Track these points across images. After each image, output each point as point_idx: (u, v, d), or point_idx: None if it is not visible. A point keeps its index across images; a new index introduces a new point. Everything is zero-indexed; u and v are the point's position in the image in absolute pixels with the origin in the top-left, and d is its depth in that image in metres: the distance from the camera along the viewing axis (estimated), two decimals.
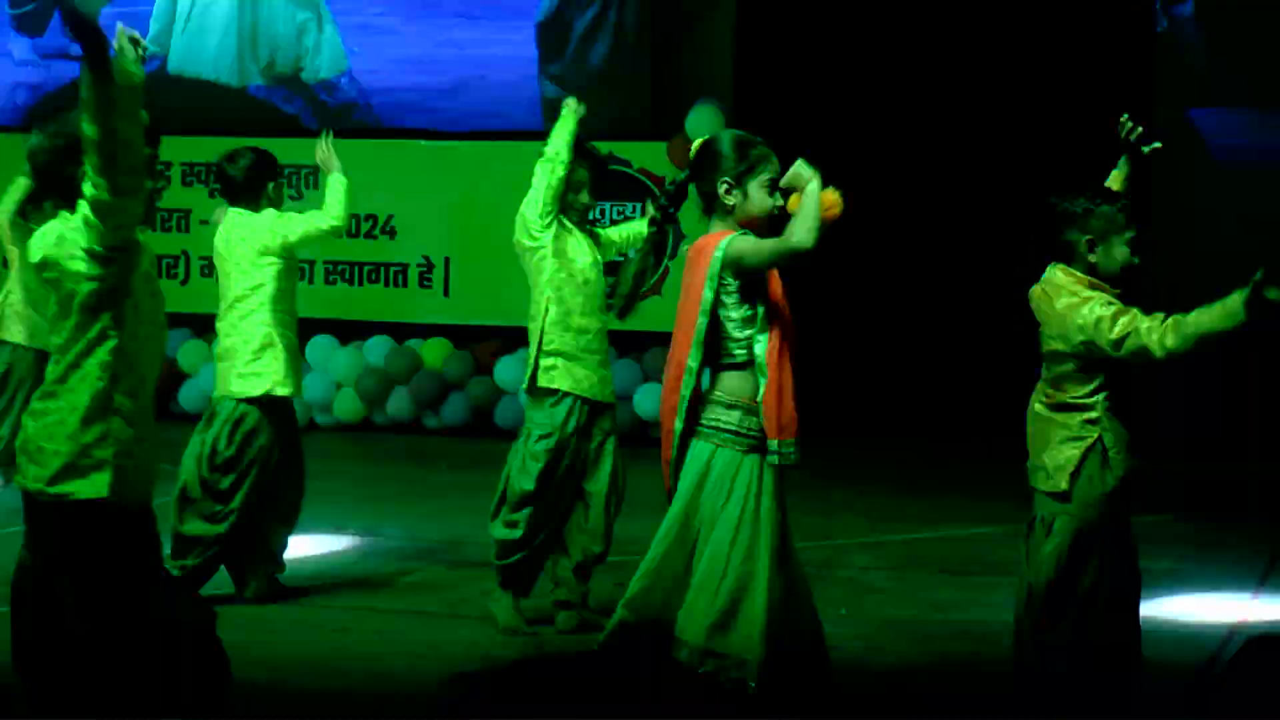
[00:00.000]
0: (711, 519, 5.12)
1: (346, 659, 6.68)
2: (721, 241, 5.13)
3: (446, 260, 13.01)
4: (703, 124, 12.06)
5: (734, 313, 5.15)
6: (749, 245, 5.13)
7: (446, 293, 13.04)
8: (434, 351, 12.93)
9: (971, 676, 6.56)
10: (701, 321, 5.13)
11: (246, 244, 7.42)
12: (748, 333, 5.14)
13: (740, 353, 5.15)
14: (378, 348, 12.94)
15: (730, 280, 5.13)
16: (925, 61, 12.64)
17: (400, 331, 13.02)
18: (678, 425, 5.18)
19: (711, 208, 5.27)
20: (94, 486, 4.35)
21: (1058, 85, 12.28)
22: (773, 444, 5.13)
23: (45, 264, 4.40)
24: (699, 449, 5.16)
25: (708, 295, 5.12)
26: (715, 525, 5.11)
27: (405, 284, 13.07)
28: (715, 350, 5.18)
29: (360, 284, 13.09)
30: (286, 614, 7.31)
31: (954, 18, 12.62)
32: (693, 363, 5.15)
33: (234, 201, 7.54)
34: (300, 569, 7.73)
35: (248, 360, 7.40)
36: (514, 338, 12.73)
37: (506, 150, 12.52)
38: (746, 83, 12.64)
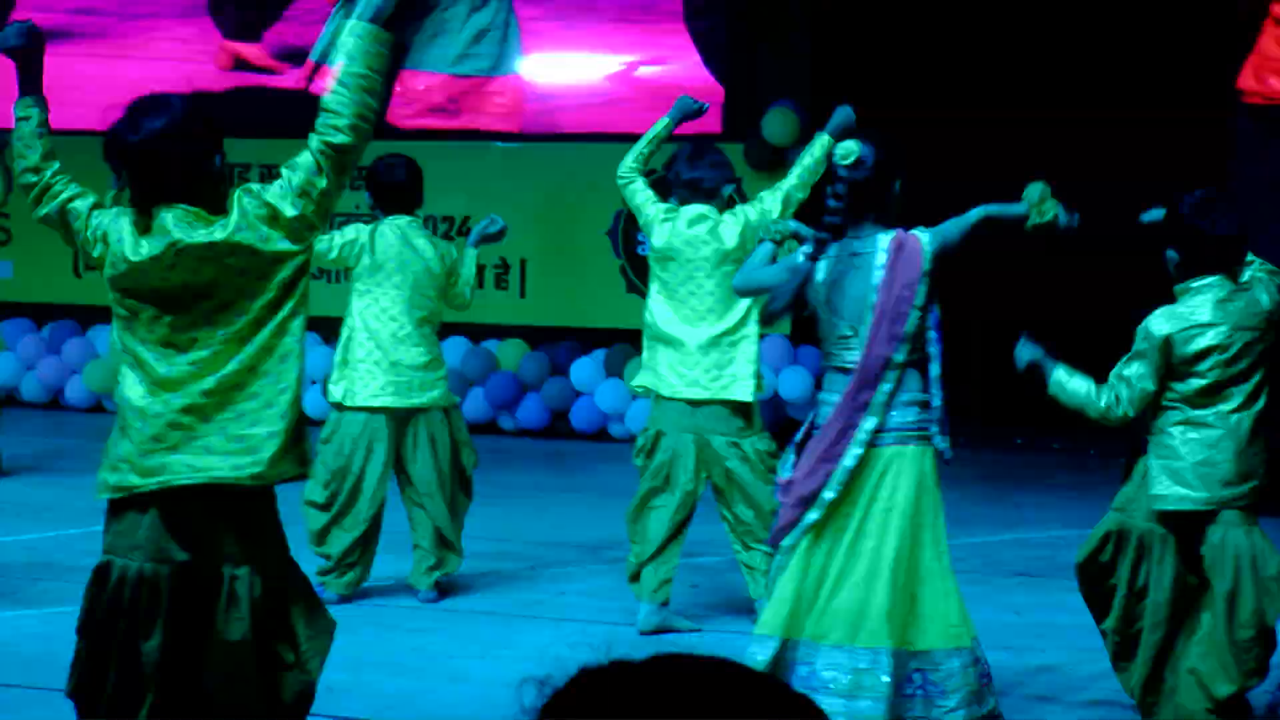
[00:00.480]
0: (890, 517, 5.25)
1: (423, 658, 6.72)
2: (924, 237, 5.27)
3: (523, 262, 13.04)
4: (780, 127, 12.05)
5: (923, 306, 5.29)
6: (946, 231, 5.30)
7: (523, 294, 13.09)
8: (510, 352, 12.97)
9: (1043, 675, 6.53)
10: (914, 317, 5.25)
11: (442, 264, 7.54)
12: (930, 327, 5.31)
13: (925, 349, 5.29)
14: (454, 349, 12.99)
15: (932, 274, 5.28)
16: (1008, 61, 12.57)
17: (477, 332, 13.07)
18: (871, 423, 5.26)
19: (875, 206, 5.33)
20: (301, 466, 4.35)
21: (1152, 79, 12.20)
22: (943, 440, 5.33)
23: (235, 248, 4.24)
24: (887, 453, 5.27)
25: (922, 291, 5.24)
26: (905, 523, 5.22)
27: (482, 285, 13.11)
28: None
29: None
30: (364, 613, 7.36)
31: (1041, 16, 12.54)
32: (899, 357, 5.23)
33: (396, 210, 7.56)
34: (377, 569, 7.77)
35: (444, 372, 7.65)
36: (589, 339, 12.79)
37: (583, 152, 12.56)
38: (824, 84, 12.61)
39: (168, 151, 4.21)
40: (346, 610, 7.36)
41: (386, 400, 7.41)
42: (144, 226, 4.18)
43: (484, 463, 11.65)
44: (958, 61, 12.66)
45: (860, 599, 5.25)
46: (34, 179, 4.29)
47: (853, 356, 5.31)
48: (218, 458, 4.20)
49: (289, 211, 4.22)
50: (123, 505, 4.26)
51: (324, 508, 7.45)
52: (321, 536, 7.48)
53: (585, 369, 12.67)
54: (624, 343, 12.64)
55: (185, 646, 4.19)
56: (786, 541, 5.33)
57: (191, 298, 4.20)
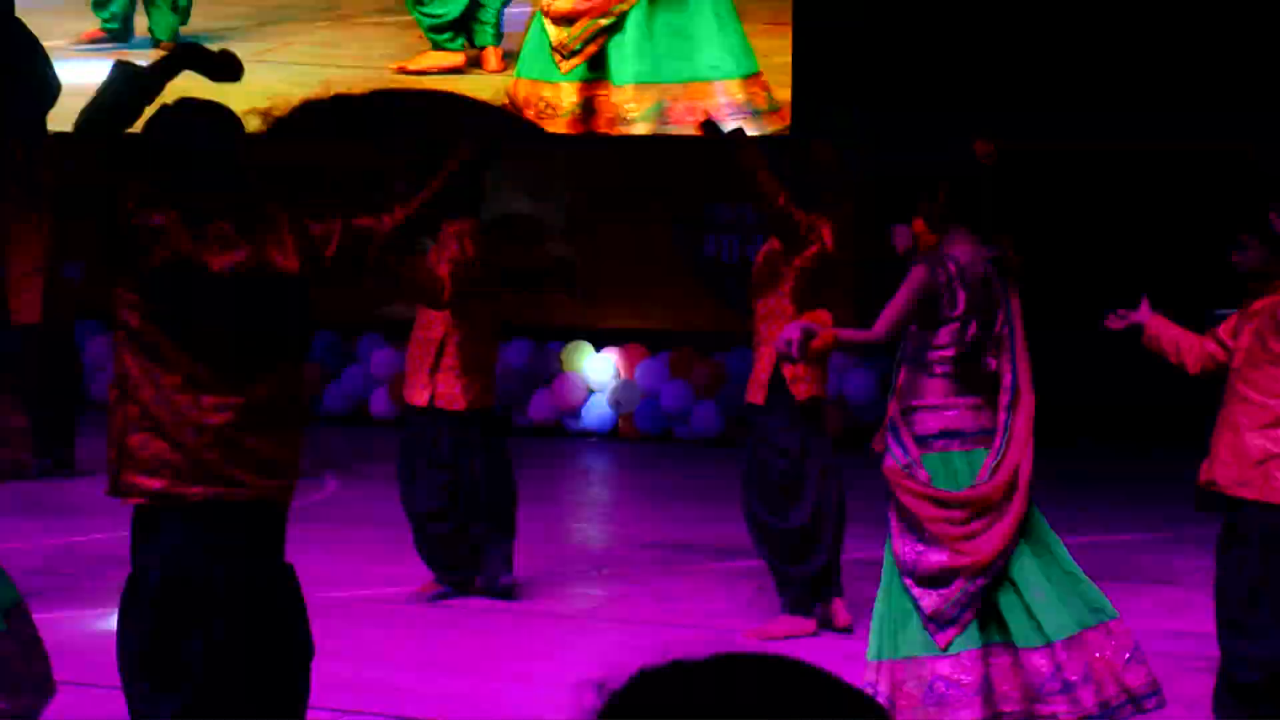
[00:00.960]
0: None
1: (488, 659, 6.73)
2: None
3: (588, 263, 13.06)
4: (843, 128, 12.00)
5: None
6: None
7: (588, 296, 13.10)
8: (575, 354, 12.99)
9: None
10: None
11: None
12: None
13: None
14: (519, 351, 13.02)
15: None
16: (1070, 63, 12.48)
17: (541, 334, 13.10)
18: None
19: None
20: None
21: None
22: None
23: None
24: None
25: None
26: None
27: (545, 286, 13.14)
28: None
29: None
30: (430, 614, 7.38)
31: (1104, 17, 12.44)
32: None
33: (469, 212, 7.55)
34: None
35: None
36: (655, 341, 12.79)
37: (649, 152, 12.56)
38: (885, 88, 12.55)
39: (228, 156, 4.18)
40: (412, 611, 7.39)
41: (487, 400, 7.47)
42: (203, 234, 4.12)
43: (549, 464, 11.71)
44: (1019, 62, 12.56)
45: (1070, 586, 5.29)
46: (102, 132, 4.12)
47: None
48: (261, 474, 4.20)
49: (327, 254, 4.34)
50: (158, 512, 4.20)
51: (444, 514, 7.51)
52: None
53: (651, 371, 12.67)
54: (688, 345, 12.64)
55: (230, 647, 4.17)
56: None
57: (255, 308, 4.19)
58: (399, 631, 7.08)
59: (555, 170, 13.05)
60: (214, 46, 4.38)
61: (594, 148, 13.19)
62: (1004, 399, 5.22)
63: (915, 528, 5.17)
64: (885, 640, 5.20)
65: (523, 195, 12.76)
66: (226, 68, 4.29)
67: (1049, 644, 5.18)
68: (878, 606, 5.27)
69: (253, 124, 12.91)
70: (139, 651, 4.16)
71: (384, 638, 6.95)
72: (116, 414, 4.22)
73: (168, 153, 4.16)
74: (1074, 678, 5.17)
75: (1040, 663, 5.17)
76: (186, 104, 4.22)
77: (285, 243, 4.25)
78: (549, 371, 12.94)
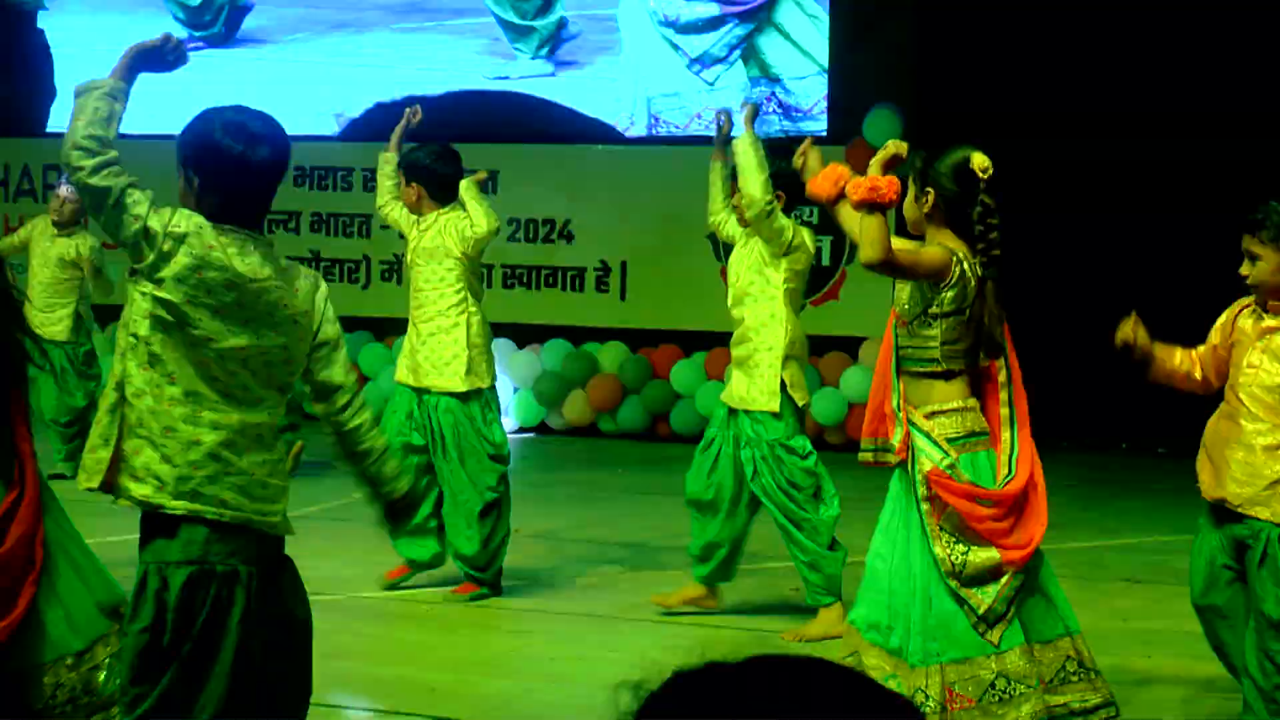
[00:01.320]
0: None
1: (523, 659, 6.74)
2: None
3: (623, 264, 13.06)
4: (882, 128, 11.98)
5: None
6: None
7: (623, 297, 13.10)
8: (610, 355, 12.99)
9: (1151, 685, 6.44)
10: None
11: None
12: None
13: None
14: (554, 351, 13.04)
15: None
16: (1109, 52, 12.43)
17: (577, 335, 13.11)
18: None
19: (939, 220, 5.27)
20: None
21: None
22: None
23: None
24: None
25: None
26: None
27: (582, 288, 13.15)
28: None
29: (537, 288, 13.20)
30: (466, 615, 7.39)
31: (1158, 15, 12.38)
32: None
33: (451, 199, 7.61)
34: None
35: None
36: (690, 342, 12.78)
37: (683, 155, 12.55)
38: (927, 85, 12.52)
39: (277, 174, 4.16)
40: (446, 611, 7.40)
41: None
42: (242, 247, 4.09)
43: (584, 464, 11.72)
44: (1067, 63, 12.52)
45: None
46: (99, 147, 4.03)
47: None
48: (249, 498, 4.15)
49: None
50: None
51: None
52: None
53: (685, 372, 12.66)
54: (723, 346, 12.63)
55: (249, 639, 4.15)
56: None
57: (269, 331, 4.18)
58: (435, 632, 7.10)
59: (590, 171, 13.05)
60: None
61: (628, 149, 13.18)
62: (1002, 395, 5.26)
63: (960, 529, 5.14)
64: (930, 644, 5.15)
65: (558, 195, 12.78)
66: (176, 58, 4.26)
67: (1071, 634, 5.23)
68: (913, 612, 5.21)
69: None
70: (145, 649, 4.14)
71: (420, 638, 6.97)
72: (114, 415, 4.18)
73: (224, 159, 4.12)
74: (1094, 666, 5.25)
75: (1066, 651, 5.22)
76: (246, 113, 4.18)
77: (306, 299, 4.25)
78: (584, 373, 12.95)
